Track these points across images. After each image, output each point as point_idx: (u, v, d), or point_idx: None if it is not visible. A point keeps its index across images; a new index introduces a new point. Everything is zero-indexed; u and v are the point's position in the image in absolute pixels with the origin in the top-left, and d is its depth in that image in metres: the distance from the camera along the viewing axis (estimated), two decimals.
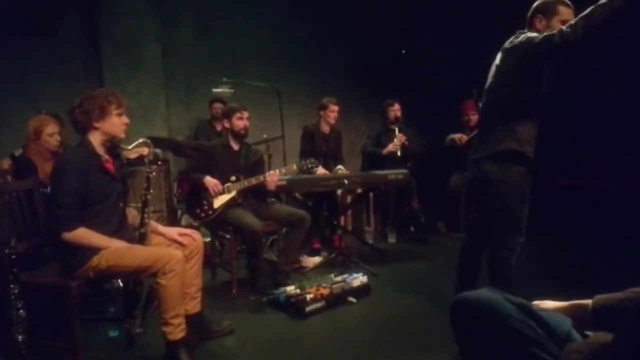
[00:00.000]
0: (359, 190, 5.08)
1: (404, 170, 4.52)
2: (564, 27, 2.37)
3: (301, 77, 6.06)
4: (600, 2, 2.25)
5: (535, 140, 2.74)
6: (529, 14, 2.72)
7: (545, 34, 2.48)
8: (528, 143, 2.70)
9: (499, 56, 2.78)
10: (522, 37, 2.62)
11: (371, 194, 5.46)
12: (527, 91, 2.67)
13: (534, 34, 2.58)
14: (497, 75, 2.76)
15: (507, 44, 2.72)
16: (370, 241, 5.17)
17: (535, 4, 2.71)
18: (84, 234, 2.50)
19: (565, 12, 2.62)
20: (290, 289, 3.50)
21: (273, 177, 3.83)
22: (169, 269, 2.47)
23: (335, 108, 5.03)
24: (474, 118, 5.40)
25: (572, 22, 2.35)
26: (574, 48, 2.40)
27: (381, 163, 5.17)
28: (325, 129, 5.11)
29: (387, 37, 6.50)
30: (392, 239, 5.36)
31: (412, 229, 5.41)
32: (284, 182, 4.04)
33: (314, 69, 6.28)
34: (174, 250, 2.62)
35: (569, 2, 2.65)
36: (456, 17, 6.37)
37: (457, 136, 5.51)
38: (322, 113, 5.07)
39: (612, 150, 5.77)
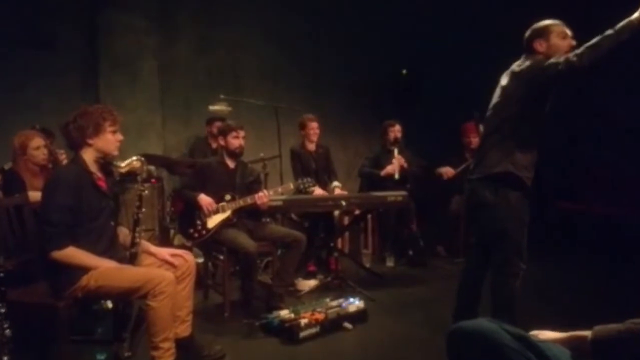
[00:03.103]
0: (357, 212, 5.02)
1: (403, 192, 4.47)
2: (570, 55, 2.42)
3: (300, 96, 6.06)
4: (607, 33, 2.31)
5: (533, 167, 2.73)
6: (526, 41, 2.76)
7: (551, 60, 2.52)
8: (525, 168, 2.69)
9: (505, 78, 2.79)
10: (529, 61, 2.66)
11: (369, 216, 5.40)
12: (530, 116, 2.68)
13: (540, 58, 2.63)
14: (502, 97, 2.77)
15: (514, 67, 2.75)
16: (368, 264, 5.08)
17: (528, 33, 2.76)
18: (73, 253, 2.46)
19: (557, 27, 2.69)
20: (284, 313, 3.42)
21: (262, 198, 3.77)
22: (159, 290, 2.43)
23: (314, 125, 4.98)
24: (475, 141, 5.33)
25: (579, 51, 2.39)
26: (578, 75, 2.46)
27: (380, 184, 5.12)
28: (311, 146, 5.06)
29: (388, 57, 6.54)
30: (390, 263, 5.27)
31: (410, 252, 5.31)
32: (279, 203, 3.99)
33: (313, 88, 6.30)
34: (165, 272, 2.58)
35: (556, 20, 2.72)
36: (457, 38, 6.39)
37: (443, 170, 5.48)
38: (303, 132, 5.03)
39: (614, 174, 5.74)
